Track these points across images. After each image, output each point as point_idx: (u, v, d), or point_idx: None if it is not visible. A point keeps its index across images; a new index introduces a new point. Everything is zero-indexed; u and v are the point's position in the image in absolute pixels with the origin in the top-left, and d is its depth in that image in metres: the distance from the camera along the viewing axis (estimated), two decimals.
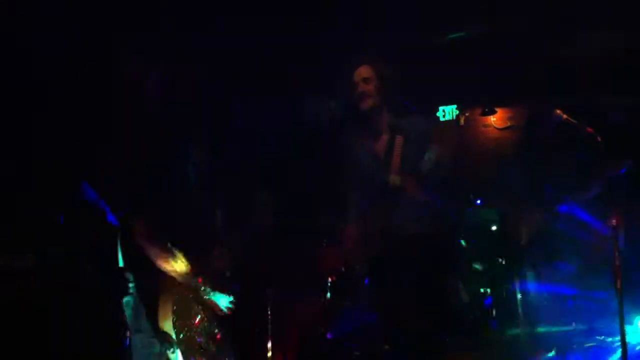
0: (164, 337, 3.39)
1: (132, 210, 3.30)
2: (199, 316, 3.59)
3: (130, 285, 3.40)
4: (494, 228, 5.82)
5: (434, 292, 3.65)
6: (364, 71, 3.75)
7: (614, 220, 3.54)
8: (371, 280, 3.82)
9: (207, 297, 3.60)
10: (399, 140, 3.66)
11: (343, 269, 5.34)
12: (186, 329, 3.48)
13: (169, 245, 3.35)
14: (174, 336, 3.39)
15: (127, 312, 3.45)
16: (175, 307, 3.41)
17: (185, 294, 3.51)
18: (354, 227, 3.88)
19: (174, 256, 3.37)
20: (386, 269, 3.67)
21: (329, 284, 5.16)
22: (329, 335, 4.82)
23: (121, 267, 3.39)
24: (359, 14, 5.36)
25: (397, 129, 3.68)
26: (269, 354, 4.41)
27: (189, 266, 3.43)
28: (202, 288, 3.57)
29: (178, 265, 3.40)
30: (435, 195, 3.59)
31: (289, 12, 5.10)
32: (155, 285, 3.41)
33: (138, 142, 3.42)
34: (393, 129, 3.70)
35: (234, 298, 3.86)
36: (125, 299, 3.43)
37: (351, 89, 3.75)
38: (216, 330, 3.66)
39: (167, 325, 3.41)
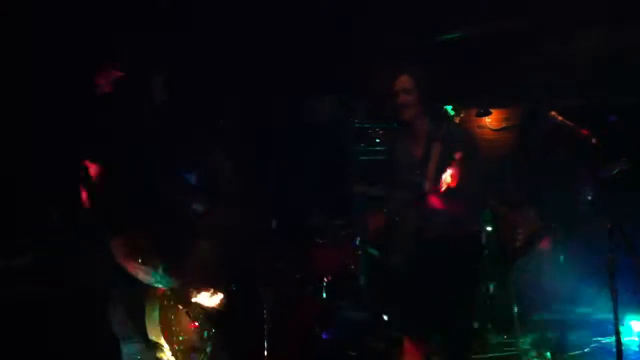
0: (155, 345, 3.39)
1: (108, 232, 3.32)
2: (190, 318, 3.60)
3: (115, 293, 3.40)
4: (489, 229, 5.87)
5: (460, 293, 3.69)
6: (405, 81, 3.76)
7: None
8: (402, 279, 3.84)
9: (196, 298, 3.62)
10: (436, 146, 3.68)
11: (339, 268, 5.39)
12: (177, 333, 3.49)
13: (147, 259, 3.36)
14: (164, 343, 3.40)
15: (113, 320, 3.44)
16: (161, 315, 3.42)
17: (171, 300, 3.52)
18: (388, 224, 3.91)
19: (154, 269, 3.39)
20: (415, 270, 3.70)
21: (324, 284, 5.19)
22: (324, 336, 4.84)
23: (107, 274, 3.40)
24: (357, 15, 5.37)
25: (435, 136, 3.70)
26: (265, 353, 4.42)
27: (171, 273, 3.44)
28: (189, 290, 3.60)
29: (160, 276, 3.41)
30: (465, 200, 3.62)
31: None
32: (141, 293, 3.42)
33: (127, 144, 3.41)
34: (431, 136, 3.73)
35: (231, 298, 3.87)
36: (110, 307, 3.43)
37: (391, 98, 3.78)
38: (211, 331, 3.67)
39: (156, 333, 3.41)
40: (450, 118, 5.00)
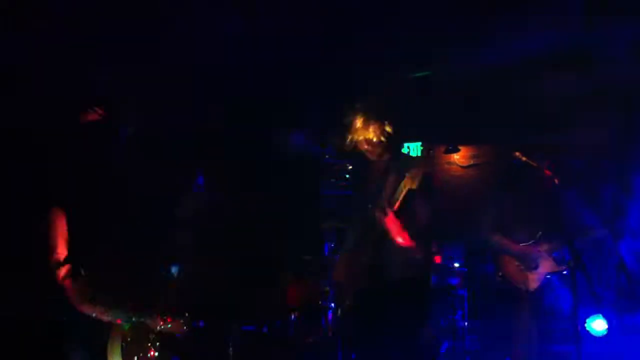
0: None
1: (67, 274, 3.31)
2: (152, 352, 3.58)
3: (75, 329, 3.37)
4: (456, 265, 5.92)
5: (411, 331, 3.69)
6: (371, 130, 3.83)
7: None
8: (352, 316, 3.85)
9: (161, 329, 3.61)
10: (391, 179, 3.73)
11: (308, 304, 5.37)
12: None
13: (102, 300, 3.36)
14: None
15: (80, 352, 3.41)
16: (123, 350, 3.40)
17: (133, 334, 3.50)
18: (344, 260, 3.92)
19: (114, 310, 3.38)
20: (368, 306, 3.71)
21: (293, 320, 5.17)
22: None
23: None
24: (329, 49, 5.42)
25: (394, 169, 3.74)
26: None
27: (132, 311, 3.44)
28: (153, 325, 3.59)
29: (121, 315, 3.40)
30: (419, 238, 3.64)
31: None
32: (101, 328, 3.39)
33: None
34: (390, 169, 3.77)
35: (195, 333, 3.86)
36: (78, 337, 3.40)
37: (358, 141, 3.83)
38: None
39: None
40: (411, 155, 5.06)
